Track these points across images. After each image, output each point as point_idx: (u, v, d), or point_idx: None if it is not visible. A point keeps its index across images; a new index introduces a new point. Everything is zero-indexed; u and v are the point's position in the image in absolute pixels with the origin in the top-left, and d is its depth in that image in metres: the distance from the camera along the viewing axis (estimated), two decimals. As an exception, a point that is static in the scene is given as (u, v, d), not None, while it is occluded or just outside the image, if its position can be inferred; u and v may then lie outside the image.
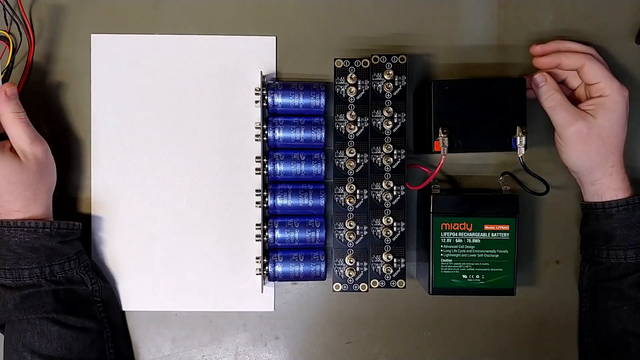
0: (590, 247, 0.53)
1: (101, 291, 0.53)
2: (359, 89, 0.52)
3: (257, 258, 0.53)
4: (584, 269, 0.55)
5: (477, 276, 0.51)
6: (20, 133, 0.48)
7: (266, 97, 0.53)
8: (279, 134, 0.53)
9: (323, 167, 0.53)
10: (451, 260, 0.51)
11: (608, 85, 0.50)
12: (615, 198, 0.51)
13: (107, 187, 0.55)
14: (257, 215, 0.54)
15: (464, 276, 0.51)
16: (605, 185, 0.51)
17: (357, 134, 0.52)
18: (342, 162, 0.52)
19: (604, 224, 0.51)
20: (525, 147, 0.50)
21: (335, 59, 0.52)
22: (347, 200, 0.52)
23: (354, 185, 0.52)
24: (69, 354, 0.49)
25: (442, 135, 0.50)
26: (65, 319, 0.50)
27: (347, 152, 0.52)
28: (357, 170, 0.53)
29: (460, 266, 0.51)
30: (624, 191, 0.51)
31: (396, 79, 0.52)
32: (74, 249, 0.51)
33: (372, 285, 0.52)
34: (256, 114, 0.54)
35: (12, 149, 0.49)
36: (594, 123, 0.50)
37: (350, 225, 0.52)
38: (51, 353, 0.49)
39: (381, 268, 0.52)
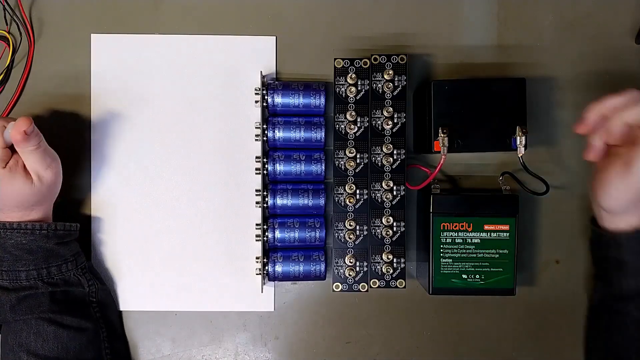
0: (602, 268, 0.52)
1: (97, 292, 0.53)
2: (359, 88, 0.52)
3: (257, 258, 0.53)
4: (596, 286, 0.54)
5: (477, 276, 0.51)
6: (38, 160, 0.48)
7: (266, 97, 0.53)
8: (279, 134, 0.53)
9: (323, 167, 0.53)
10: (451, 260, 0.51)
11: None
12: (626, 228, 0.49)
13: (107, 187, 0.55)
14: (257, 215, 0.54)
15: (464, 276, 0.51)
16: (625, 220, 0.49)
17: (357, 134, 0.52)
18: (342, 162, 0.52)
19: (614, 251, 0.50)
20: (525, 147, 0.50)
21: (335, 59, 0.52)
22: (347, 200, 0.52)
23: (354, 185, 0.52)
24: (65, 354, 0.49)
25: (442, 135, 0.50)
26: (61, 319, 0.49)
27: (347, 152, 0.52)
28: (357, 170, 0.53)
29: (460, 266, 0.51)
30: None
31: (396, 79, 0.52)
32: (72, 250, 0.51)
33: (372, 285, 0.52)
34: (256, 114, 0.54)
35: (24, 167, 0.48)
36: None
37: (350, 225, 0.52)
38: (47, 353, 0.49)
39: (381, 268, 0.52)
